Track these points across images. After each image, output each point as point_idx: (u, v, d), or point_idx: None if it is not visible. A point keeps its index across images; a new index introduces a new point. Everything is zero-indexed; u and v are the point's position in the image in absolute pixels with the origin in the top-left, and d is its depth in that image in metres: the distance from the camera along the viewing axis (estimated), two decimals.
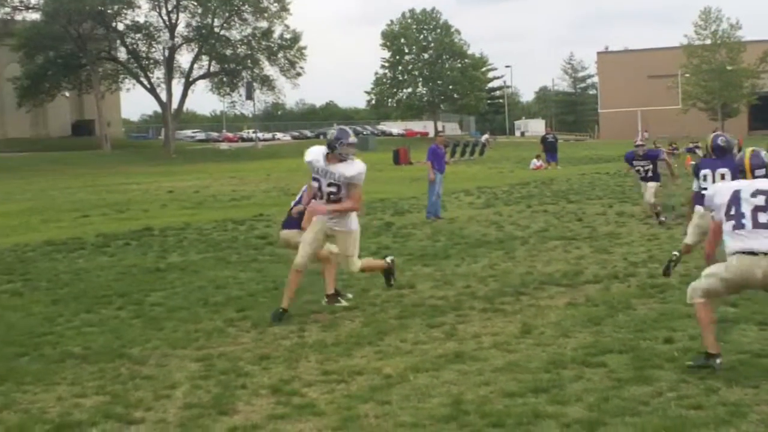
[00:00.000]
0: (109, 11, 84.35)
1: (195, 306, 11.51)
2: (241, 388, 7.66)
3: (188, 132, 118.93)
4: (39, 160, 67.45)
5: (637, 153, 20.19)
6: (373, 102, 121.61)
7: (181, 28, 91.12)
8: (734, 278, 7.60)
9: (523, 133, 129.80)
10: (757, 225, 7.51)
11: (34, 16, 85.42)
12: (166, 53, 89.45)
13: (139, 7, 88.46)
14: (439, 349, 8.77)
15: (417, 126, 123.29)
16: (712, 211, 8.04)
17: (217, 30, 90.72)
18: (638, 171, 20.24)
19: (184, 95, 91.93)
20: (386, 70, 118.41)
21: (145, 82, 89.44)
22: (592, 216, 21.06)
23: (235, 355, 8.83)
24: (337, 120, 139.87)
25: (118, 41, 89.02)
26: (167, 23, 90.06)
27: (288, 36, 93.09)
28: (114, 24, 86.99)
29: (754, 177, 7.94)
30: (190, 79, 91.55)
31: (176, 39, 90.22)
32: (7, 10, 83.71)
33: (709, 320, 7.78)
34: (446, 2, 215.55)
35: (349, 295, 11.58)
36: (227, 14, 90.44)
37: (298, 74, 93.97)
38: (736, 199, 7.69)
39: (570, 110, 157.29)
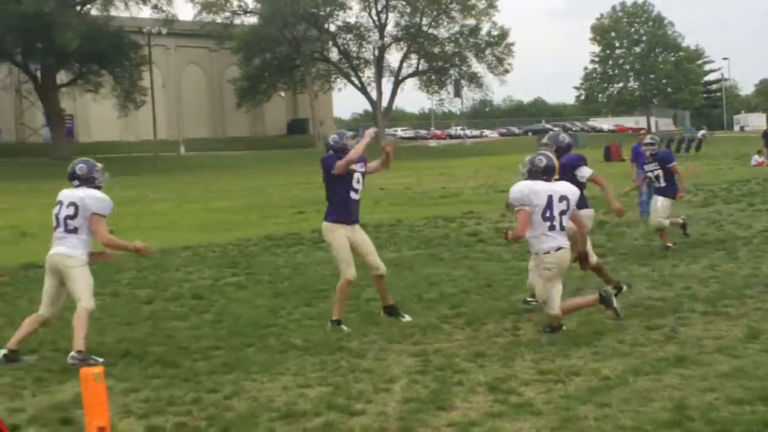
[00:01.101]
0: (321, 13, 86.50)
1: (409, 302, 11.61)
2: (457, 385, 7.70)
3: (397, 130, 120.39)
4: (256, 158, 69.89)
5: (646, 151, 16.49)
6: (583, 97, 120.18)
7: (390, 28, 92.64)
8: (558, 269, 9.37)
9: (742, 128, 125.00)
10: (561, 227, 9.34)
11: (252, 20, 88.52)
12: (376, 52, 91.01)
13: (350, 8, 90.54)
14: (660, 351, 8.53)
15: (628, 122, 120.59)
16: (522, 205, 9.31)
17: (425, 28, 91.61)
18: (648, 177, 16.62)
19: (394, 93, 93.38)
20: (596, 65, 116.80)
21: (356, 81, 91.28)
22: None
23: (451, 352, 8.89)
24: (546, 117, 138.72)
25: (330, 42, 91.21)
26: (377, 23, 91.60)
27: (495, 33, 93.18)
28: (326, 25, 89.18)
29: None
30: (399, 78, 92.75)
31: (386, 38, 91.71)
32: (227, 14, 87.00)
33: (570, 306, 9.62)
34: None
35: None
36: (435, 13, 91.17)
37: (506, 71, 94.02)
38: (550, 203, 9.22)
39: None
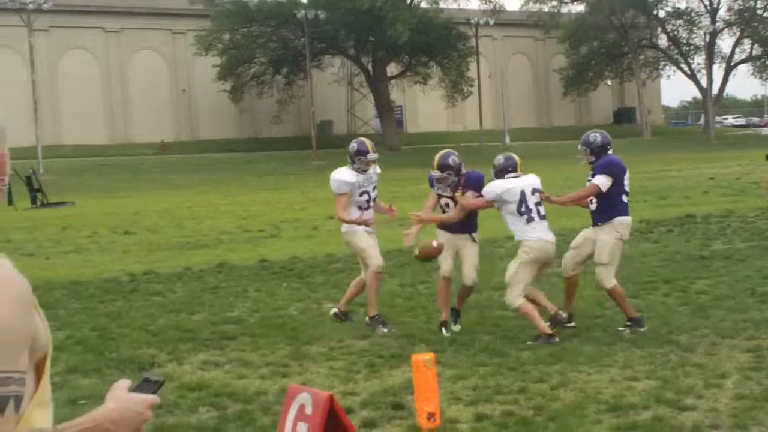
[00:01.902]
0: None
1: (742, 295, 11.24)
2: None
3: (727, 117, 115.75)
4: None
5: None
6: None
7: (722, 12, 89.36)
8: (537, 259, 9.57)
9: None
10: (540, 218, 9.62)
11: (579, 8, 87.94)
12: (707, 38, 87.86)
13: None
14: None
15: None
16: (494, 202, 9.75)
17: (760, 12, 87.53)
18: None
19: (725, 80, 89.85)
20: None
21: (685, 68, 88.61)
22: None
23: None
24: None
25: (659, 28, 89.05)
26: (708, 8, 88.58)
27: None
28: (655, 11, 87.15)
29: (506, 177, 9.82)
30: (731, 64, 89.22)
31: (717, 23, 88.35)
32: (554, 3, 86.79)
33: (531, 309, 9.43)
34: None
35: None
36: None
37: None
38: (523, 197, 9.59)
39: None
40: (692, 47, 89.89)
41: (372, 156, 10.65)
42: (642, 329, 9.55)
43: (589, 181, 10.00)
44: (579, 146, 10.36)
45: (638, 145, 73.10)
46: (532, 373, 8.05)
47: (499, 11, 77.54)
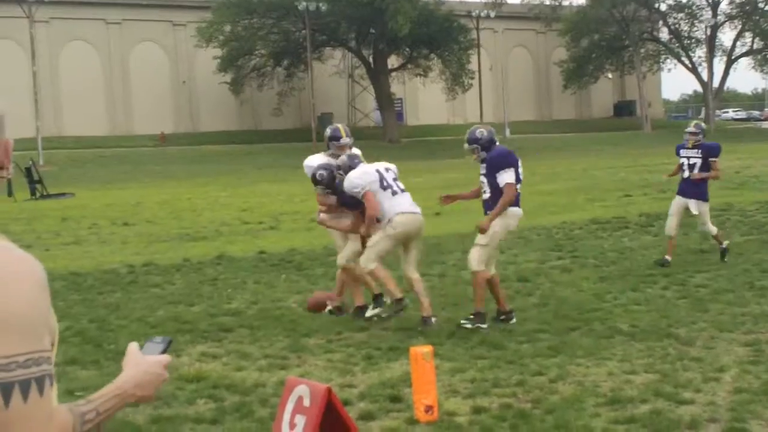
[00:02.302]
0: None
1: (740, 289, 11.26)
2: None
3: (728, 111, 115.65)
4: (582, 140, 69.35)
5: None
6: None
7: (723, 6, 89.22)
8: (403, 234, 9.85)
9: None
10: (402, 191, 10.03)
11: (580, 1, 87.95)
12: (708, 31, 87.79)
13: None
14: None
15: None
16: (363, 188, 9.83)
17: (761, 5, 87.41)
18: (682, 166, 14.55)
19: (726, 73, 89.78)
20: None
21: (686, 62, 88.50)
22: None
23: None
24: None
25: (660, 22, 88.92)
26: (710, 1, 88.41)
27: None
28: (657, 5, 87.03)
29: None
30: (732, 57, 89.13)
31: (719, 17, 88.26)
32: None
33: (385, 275, 9.86)
34: None
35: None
36: None
37: None
38: (381, 175, 9.98)
39: None
40: (693, 40, 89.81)
41: (345, 141, 10.71)
42: (484, 326, 9.56)
43: (483, 174, 10.03)
44: (465, 145, 10.29)
45: (638, 138, 73.07)
46: (531, 366, 8.04)
47: (501, 4, 77.50)
